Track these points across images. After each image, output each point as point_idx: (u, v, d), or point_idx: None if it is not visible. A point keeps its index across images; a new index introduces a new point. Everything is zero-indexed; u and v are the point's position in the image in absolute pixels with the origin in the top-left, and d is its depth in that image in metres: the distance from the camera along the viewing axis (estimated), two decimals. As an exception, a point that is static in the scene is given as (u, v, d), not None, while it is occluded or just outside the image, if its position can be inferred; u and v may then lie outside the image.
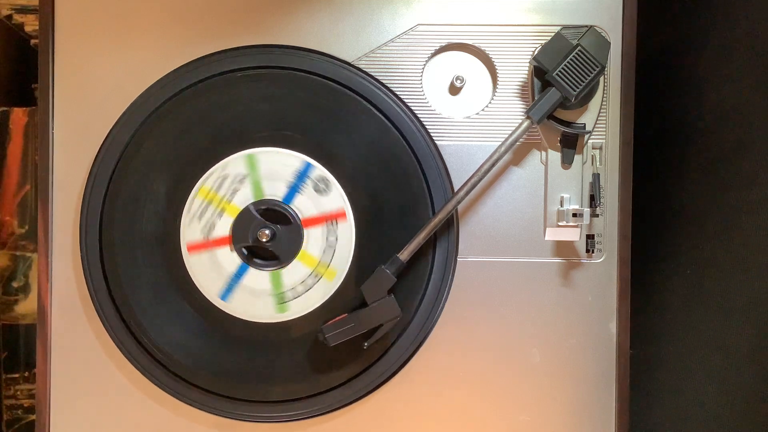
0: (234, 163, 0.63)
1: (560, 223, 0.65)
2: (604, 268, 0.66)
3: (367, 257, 0.64)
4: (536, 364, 0.66)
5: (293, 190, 0.63)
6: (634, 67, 0.66)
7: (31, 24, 0.86)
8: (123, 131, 0.64)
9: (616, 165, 0.66)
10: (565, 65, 0.61)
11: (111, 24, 0.65)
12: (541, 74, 0.63)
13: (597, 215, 0.66)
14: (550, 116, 0.63)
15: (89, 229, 0.64)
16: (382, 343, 0.63)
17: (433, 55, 0.66)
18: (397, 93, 0.65)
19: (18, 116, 0.80)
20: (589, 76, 0.61)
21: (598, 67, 0.61)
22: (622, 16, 0.66)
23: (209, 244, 0.63)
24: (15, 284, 0.80)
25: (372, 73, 0.65)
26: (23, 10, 0.85)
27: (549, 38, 0.63)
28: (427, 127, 0.65)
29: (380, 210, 0.64)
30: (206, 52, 0.65)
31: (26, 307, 0.81)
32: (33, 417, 0.81)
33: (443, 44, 0.66)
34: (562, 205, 0.66)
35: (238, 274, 0.63)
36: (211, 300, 0.63)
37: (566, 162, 0.66)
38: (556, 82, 0.61)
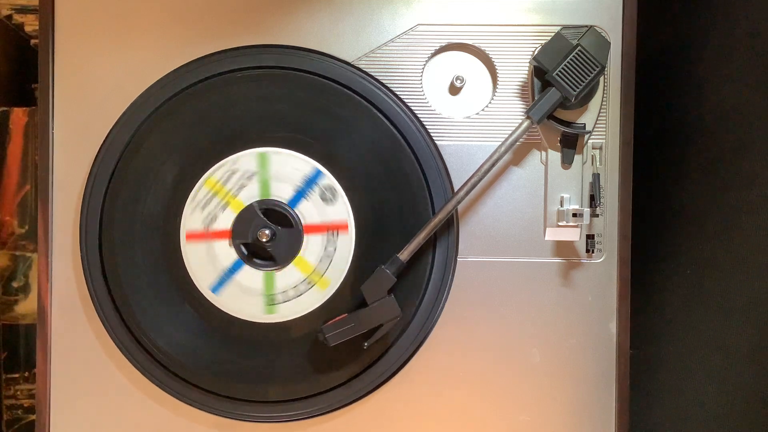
0: (245, 159, 0.63)
1: (560, 223, 0.65)
2: (604, 268, 0.66)
3: (366, 258, 0.64)
4: (536, 364, 0.66)
5: (300, 194, 0.63)
6: (634, 67, 0.66)
7: (31, 24, 0.86)
8: (123, 131, 0.64)
9: (616, 165, 0.66)
10: (565, 65, 0.61)
11: (111, 24, 0.65)
12: (541, 74, 0.63)
13: (597, 215, 0.66)
14: (550, 116, 0.63)
15: (89, 229, 0.64)
16: (382, 343, 0.63)
17: (433, 55, 0.66)
18: (397, 93, 0.65)
19: (18, 116, 0.80)
20: (589, 76, 0.61)
21: (598, 67, 0.61)
22: (622, 16, 0.66)
23: (209, 235, 0.63)
24: (15, 284, 0.81)
25: (372, 73, 0.65)
26: (23, 10, 0.85)
27: (549, 38, 0.63)
28: (427, 127, 0.65)
29: (380, 210, 0.64)
30: (206, 52, 0.65)
31: (26, 307, 0.81)
32: (33, 417, 0.81)
33: (443, 44, 0.66)
34: (562, 205, 0.66)
35: (233, 270, 0.63)
36: (201, 291, 0.63)
37: (566, 162, 0.66)
38: (556, 82, 0.61)
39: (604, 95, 0.66)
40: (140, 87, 0.65)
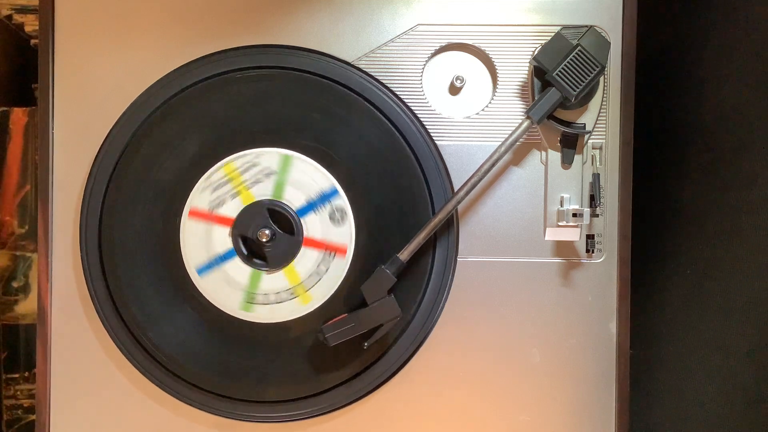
0: (268, 156, 0.63)
1: (560, 223, 0.65)
2: (604, 268, 0.66)
3: (366, 257, 0.64)
4: (536, 364, 0.66)
5: (310, 206, 0.63)
6: (634, 67, 0.66)
7: (31, 24, 0.86)
8: (123, 131, 0.64)
9: (616, 165, 0.66)
10: (565, 65, 0.61)
11: (111, 24, 0.65)
12: (541, 74, 0.63)
13: (597, 215, 0.66)
14: (550, 116, 0.63)
15: (89, 229, 0.64)
16: (382, 343, 0.63)
17: (433, 55, 0.66)
18: (397, 93, 0.65)
19: (18, 116, 0.80)
20: (589, 76, 0.61)
21: (598, 67, 0.61)
22: (622, 16, 0.66)
23: (212, 217, 0.63)
24: (15, 284, 0.80)
25: (372, 73, 0.65)
26: (23, 10, 0.85)
27: (549, 38, 0.63)
28: (427, 127, 0.65)
29: (380, 210, 0.64)
30: (206, 52, 0.65)
31: (26, 307, 0.81)
32: (33, 417, 0.81)
33: (443, 44, 0.66)
34: (562, 205, 0.66)
35: (224, 258, 0.63)
36: (188, 269, 0.63)
37: (566, 162, 0.66)
38: (556, 82, 0.61)
39: (604, 95, 0.66)
40: (140, 87, 0.65)
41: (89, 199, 0.64)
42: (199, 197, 0.63)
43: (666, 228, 0.71)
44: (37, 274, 0.70)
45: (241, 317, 0.63)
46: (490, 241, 0.66)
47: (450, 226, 0.65)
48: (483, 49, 0.66)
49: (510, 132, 0.62)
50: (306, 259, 0.63)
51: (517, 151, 0.66)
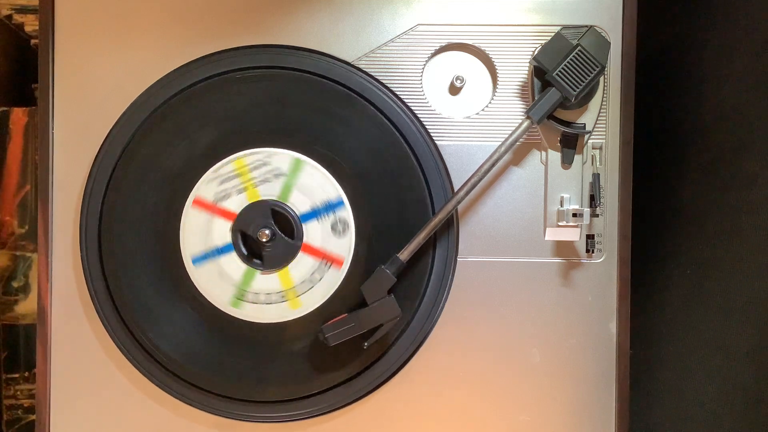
0: (280, 158, 0.63)
1: (560, 223, 0.65)
2: (604, 268, 0.66)
3: (366, 257, 0.64)
4: (536, 364, 0.66)
5: (314, 213, 0.63)
6: (634, 67, 0.66)
7: (31, 24, 0.86)
8: (123, 131, 0.64)
9: (616, 165, 0.66)
10: (565, 65, 0.61)
11: (111, 24, 0.65)
12: (541, 74, 0.63)
13: (597, 215, 0.66)
14: (550, 116, 0.63)
15: (89, 229, 0.64)
16: (382, 343, 0.63)
17: (433, 55, 0.66)
18: (397, 93, 0.65)
19: (18, 116, 0.80)
20: (589, 76, 0.61)
21: (598, 67, 0.61)
22: (622, 16, 0.66)
23: (215, 209, 0.63)
24: (15, 284, 0.81)
25: (372, 73, 0.65)
26: (23, 10, 0.85)
27: (549, 38, 0.63)
28: (427, 127, 0.65)
29: (380, 210, 0.64)
30: (206, 52, 0.65)
31: (26, 307, 0.81)
32: (33, 417, 0.81)
33: (443, 44, 0.66)
34: (562, 205, 0.66)
35: (220, 251, 0.63)
36: (183, 258, 0.63)
37: (566, 162, 0.66)
38: (556, 82, 0.61)
39: (604, 95, 0.66)
40: (140, 87, 0.65)
41: (89, 199, 0.64)
42: (206, 187, 0.63)
43: (666, 228, 0.71)
44: (37, 274, 0.70)
45: (228, 312, 0.64)
46: (490, 241, 0.66)
47: (450, 226, 0.65)
48: (483, 49, 0.66)
49: (510, 132, 0.62)
50: (301, 264, 0.63)
51: (517, 151, 0.66)
